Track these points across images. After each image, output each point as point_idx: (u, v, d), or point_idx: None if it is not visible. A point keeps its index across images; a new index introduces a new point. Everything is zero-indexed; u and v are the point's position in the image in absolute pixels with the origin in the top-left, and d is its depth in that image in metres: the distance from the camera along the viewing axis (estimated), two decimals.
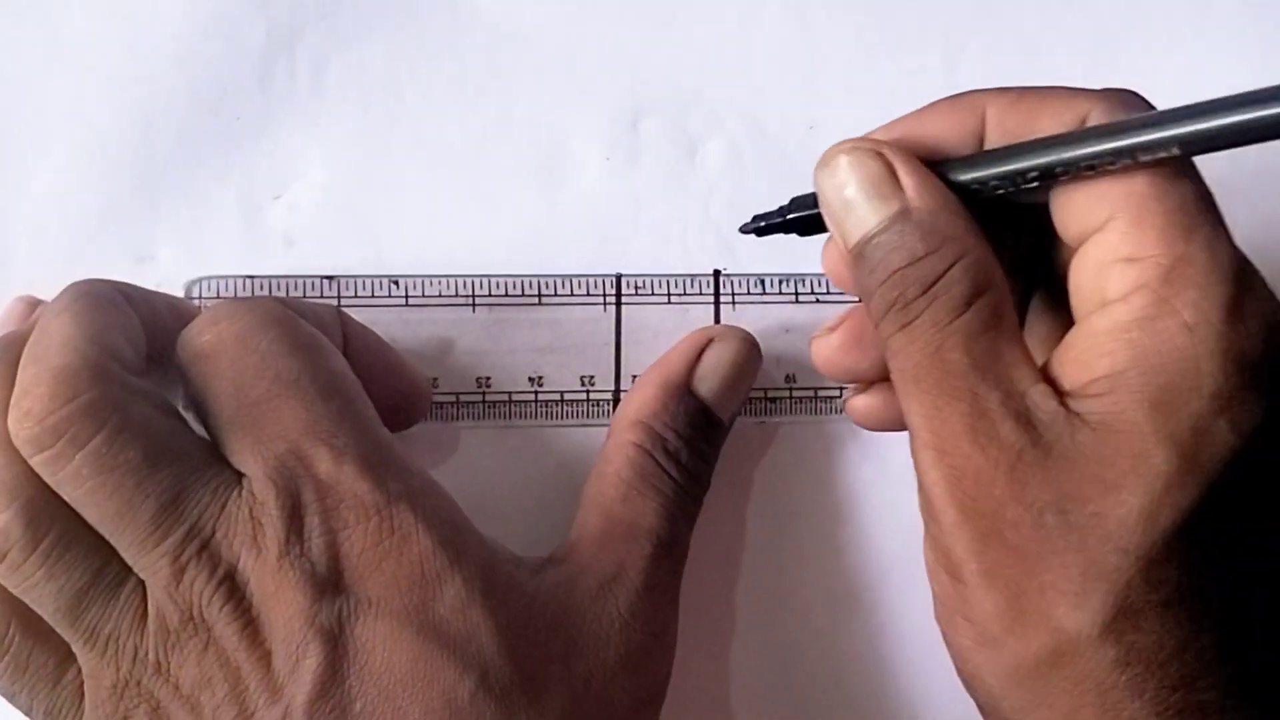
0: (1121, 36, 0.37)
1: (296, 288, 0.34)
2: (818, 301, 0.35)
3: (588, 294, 0.35)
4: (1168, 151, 0.25)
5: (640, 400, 0.32)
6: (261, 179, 0.35)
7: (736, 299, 0.35)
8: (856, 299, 0.29)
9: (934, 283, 0.26)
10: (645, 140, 0.36)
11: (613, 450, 0.32)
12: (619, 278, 0.35)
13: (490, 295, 0.34)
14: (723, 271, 0.35)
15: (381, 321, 0.34)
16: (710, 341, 0.33)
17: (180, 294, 0.34)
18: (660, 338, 0.35)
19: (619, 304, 0.35)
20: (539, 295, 0.35)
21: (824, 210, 0.29)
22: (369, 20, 0.36)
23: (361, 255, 0.35)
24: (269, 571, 0.26)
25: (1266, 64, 0.37)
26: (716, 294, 0.35)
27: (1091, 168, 0.26)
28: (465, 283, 0.34)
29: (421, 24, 0.36)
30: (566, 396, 0.35)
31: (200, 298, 0.34)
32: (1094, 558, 0.25)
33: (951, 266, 0.27)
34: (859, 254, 0.28)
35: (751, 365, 0.33)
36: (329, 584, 0.26)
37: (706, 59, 0.36)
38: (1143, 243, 0.26)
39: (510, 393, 0.34)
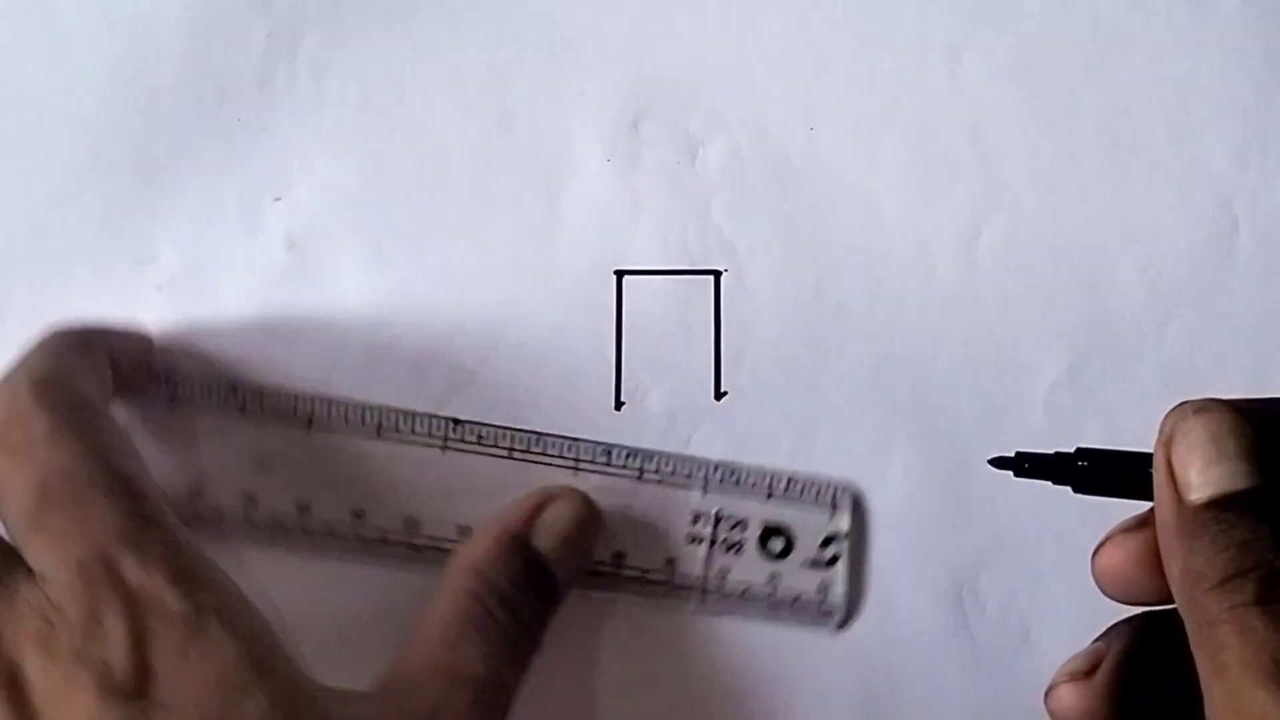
0: (1122, 37, 0.37)
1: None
2: (661, 483, 0.34)
3: (429, 434, 0.34)
4: None
5: (476, 548, 0.32)
6: (262, 180, 0.35)
7: (580, 464, 0.34)
8: None
9: None
10: (646, 141, 0.36)
11: (444, 594, 0.31)
12: (619, 276, 0.35)
13: (329, 419, 0.34)
14: (723, 273, 0.35)
15: (210, 426, 0.33)
16: (552, 498, 0.33)
17: None
18: (660, 339, 0.35)
19: (619, 305, 0.35)
20: (378, 427, 0.34)
21: (1182, 451, 0.26)
22: (369, 21, 0.36)
23: (362, 255, 0.35)
24: (59, 673, 0.26)
25: (1268, 65, 0.37)
26: (717, 295, 0.35)
27: None
28: (305, 402, 0.34)
29: (421, 24, 0.36)
30: (389, 538, 0.34)
31: None
32: None
33: None
34: (1211, 510, 0.25)
35: (592, 526, 0.33)
36: (124, 690, 0.26)
37: (707, 59, 0.36)
38: None
39: (330, 522, 0.34)
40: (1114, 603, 0.34)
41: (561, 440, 0.34)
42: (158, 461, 0.33)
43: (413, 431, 0.34)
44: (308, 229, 0.35)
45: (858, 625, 0.35)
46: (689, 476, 0.34)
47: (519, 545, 0.32)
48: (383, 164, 0.36)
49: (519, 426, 0.35)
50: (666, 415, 0.35)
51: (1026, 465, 0.28)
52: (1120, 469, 0.28)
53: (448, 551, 0.33)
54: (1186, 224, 0.36)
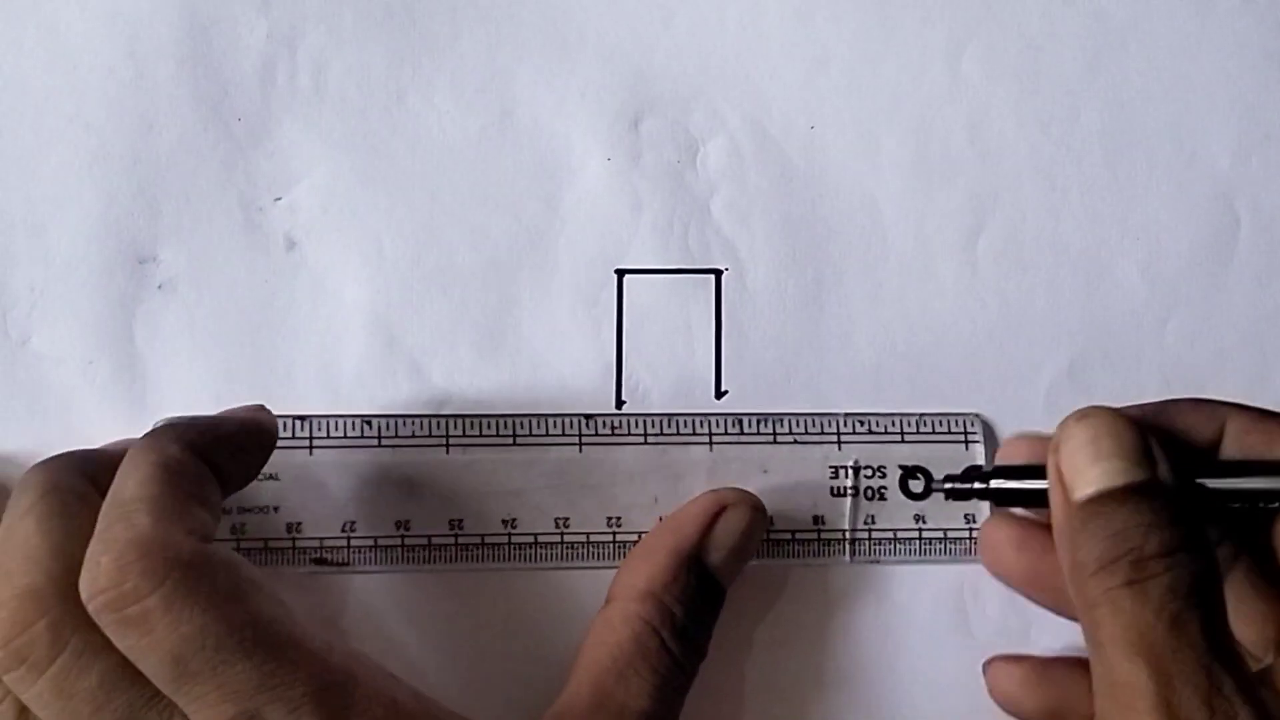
0: (1122, 36, 0.37)
1: None
2: (795, 442, 0.35)
3: (563, 434, 0.34)
4: None
5: (652, 570, 0.32)
6: (262, 180, 0.35)
7: (714, 437, 0.35)
8: None
9: (1174, 551, 0.27)
10: (646, 140, 0.36)
11: (619, 620, 0.31)
12: (620, 275, 0.35)
13: (464, 436, 0.34)
14: (724, 271, 0.35)
15: (352, 463, 0.34)
16: (723, 509, 0.33)
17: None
18: (661, 338, 0.35)
19: (619, 304, 0.35)
20: (513, 436, 0.34)
21: (1066, 456, 0.29)
22: (369, 20, 0.36)
23: (362, 255, 0.35)
24: None
25: (1269, 62, 0.37)
26: (718, 294, 0.35)
27: None
28: (439, 423, 0.34)
29: (421, 24, 0.36)
30: (540, 539, 0.34)
31: None
32: None
33: (1190, 543, 0.27)
34: (1091, 507, 0.28)
35: (761, 529, 0.33)
36: None
37: (707, 59, 0.36)
38: None
39: (483, 535, 0.34)
40: None
41: (694, 417, 0.35)
42: (307, 504, 0.33)
43: (547, 434, 0.34)
44: (308, 229, 0.35)
45: (862, 621, 0.35)
46: (822, 432, 0.35)
47: (693, 563, 0.32)
48: (383, 164, 0.36)
49: (657, 411, 0.35)
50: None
51: (949, 486, 0.32)
52: (1023, 481, 0.31)
53: (599, 545, 0.34)
54: (1187, 221, 0.36)
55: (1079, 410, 0.29)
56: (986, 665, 0.33)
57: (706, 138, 0.36)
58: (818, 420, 0.35)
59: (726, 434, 0.35)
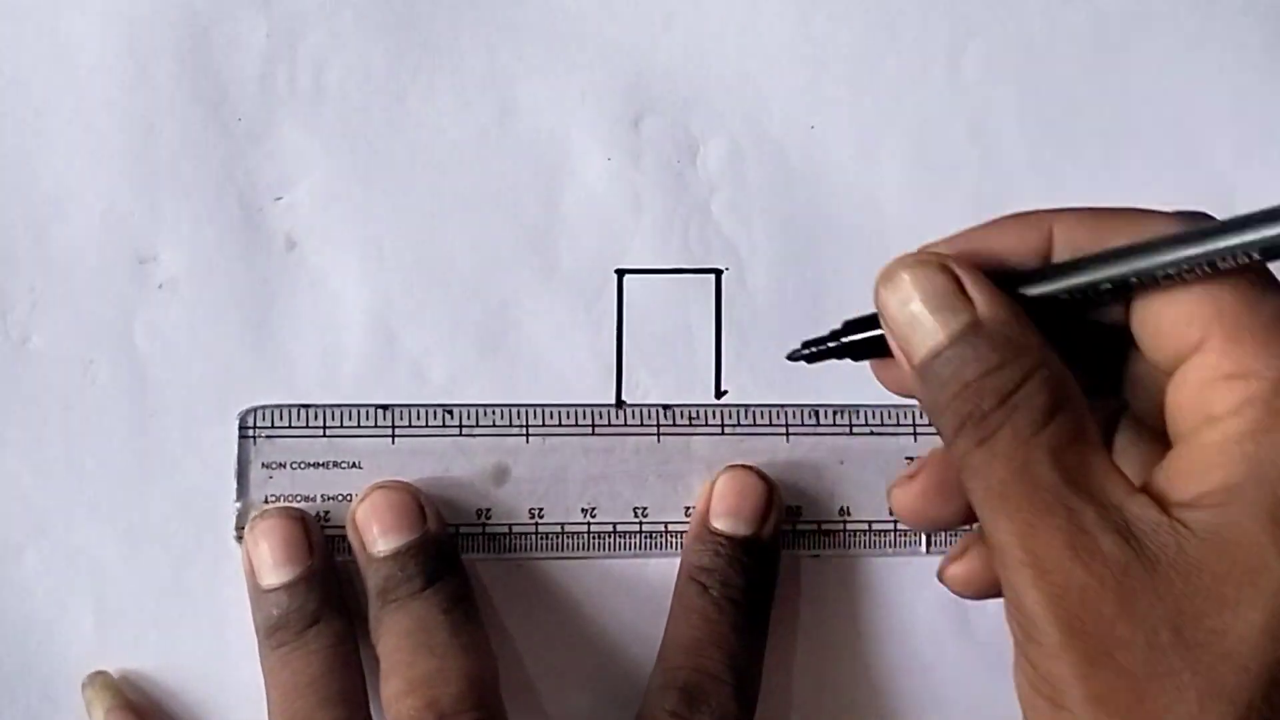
0: (1123, 36, 0.37)
1: (350, 417, 0.34)
2: (872, 434, 0.35)
3: (640, 423, 0.35)
4: (1247, 257, 0.24)
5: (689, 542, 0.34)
6: (262, 180, 0.35)
7: (790, 429, 0.35)
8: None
9: (1011, 394, 0.25)
10: (646, 140, 0.36)
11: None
12: (620, 275, 0.35)
13: (544, 425, 0.35)
14: (724, 271, 0.35)
15: (435, 450, 0.34)
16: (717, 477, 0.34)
17: (235, 422, 0.34)
18: (661, 338, 0.35)
19: (619, 305, 0.35)
20: (592, 425, 0.35)
21: (887, 326, 0.27)
22: (369, 20, 0.36)
23: (362, 255, 0.35)
24: None
25: (1270, 61, 0.37)
26: (718, 294, 0.35)
27: (1168, 276, 0.25)
28: (519, 413, 0.35)
29: (421, 24, 0.36)
30: (619, 528, 0.35)
31: (255, 426, 0.34)
32: (1212, 677, 0.23)
33: (1028, 378, 0.25)
34: (926, 370, 0.26)
35: (754, 485, 0.34)
36: None
37: (707, 59, 0.36)
38: (1243, 360, 0.25)
39: (563, 524, 0.35)
40: None
41: (770, 409, 0.35)
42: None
43: (625, 424, 0.35)
44: (308, 229, 0.35)
45: (861, 619, 0.35)
46: (898, 424, 0.35)
47: (706, 525, 0.34)
48: (383, 164, 0.36)
49: (736, 403, 0.35)
50: (667, 414, 0.35)
51: (812, 350, 0.29)
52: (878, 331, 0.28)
53: (677, 534, 0.35)
54: None
55: (884, 269, 0.27)
56: (889, 492, 0.30)
57: (706, 138, 0.36)
58: (894, 412, 0.35)
59: (804, 425, 0.35)
